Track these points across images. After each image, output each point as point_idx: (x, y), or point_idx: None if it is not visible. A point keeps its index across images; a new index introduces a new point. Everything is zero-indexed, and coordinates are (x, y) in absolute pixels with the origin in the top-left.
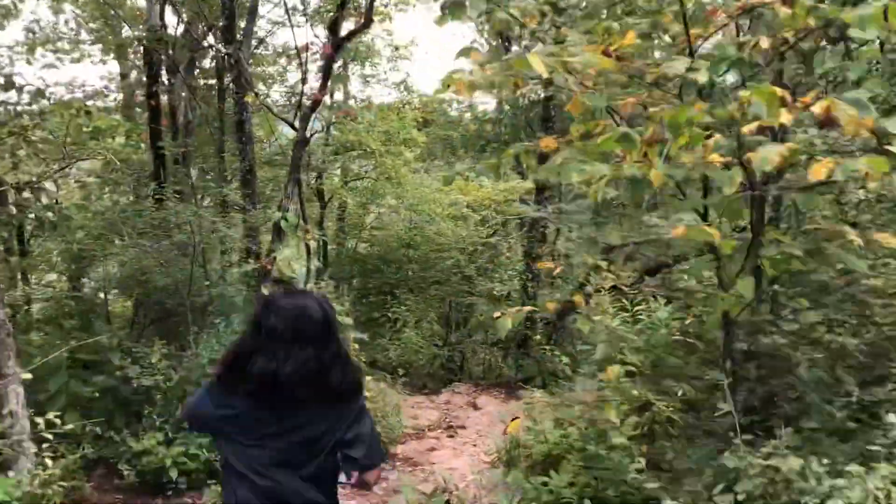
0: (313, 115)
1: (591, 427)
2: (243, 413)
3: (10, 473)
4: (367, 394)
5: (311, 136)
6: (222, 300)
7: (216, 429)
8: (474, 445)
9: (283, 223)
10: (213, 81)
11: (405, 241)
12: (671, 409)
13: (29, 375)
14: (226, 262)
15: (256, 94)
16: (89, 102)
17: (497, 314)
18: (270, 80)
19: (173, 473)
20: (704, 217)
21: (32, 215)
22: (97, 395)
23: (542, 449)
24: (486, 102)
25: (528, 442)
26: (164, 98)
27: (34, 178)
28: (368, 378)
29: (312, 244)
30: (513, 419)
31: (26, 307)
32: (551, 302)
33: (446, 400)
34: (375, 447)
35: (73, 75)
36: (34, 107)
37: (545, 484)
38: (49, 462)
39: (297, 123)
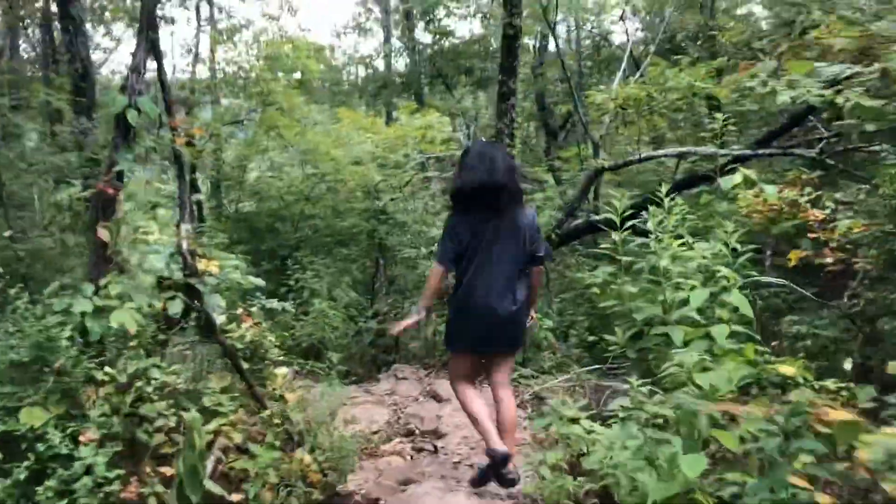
0: None
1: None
2: (468, 221)
3: None
4: (289, 396)
5: None
6: (33, 258)
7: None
8: (470, 467)
9: (129, 114)
10: None
11: (303, 193)
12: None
13: None
14: (57, 199)
15: None
16: None
17: None
18: None
19: None
20: None
21: None
22: None
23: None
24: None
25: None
26: None
27: None
28: (284, 370)
29: (186, 153)
30: None
31: None
32: None
33: (389, 390)
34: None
35: None
36: None
37: None
38: None
39: None
